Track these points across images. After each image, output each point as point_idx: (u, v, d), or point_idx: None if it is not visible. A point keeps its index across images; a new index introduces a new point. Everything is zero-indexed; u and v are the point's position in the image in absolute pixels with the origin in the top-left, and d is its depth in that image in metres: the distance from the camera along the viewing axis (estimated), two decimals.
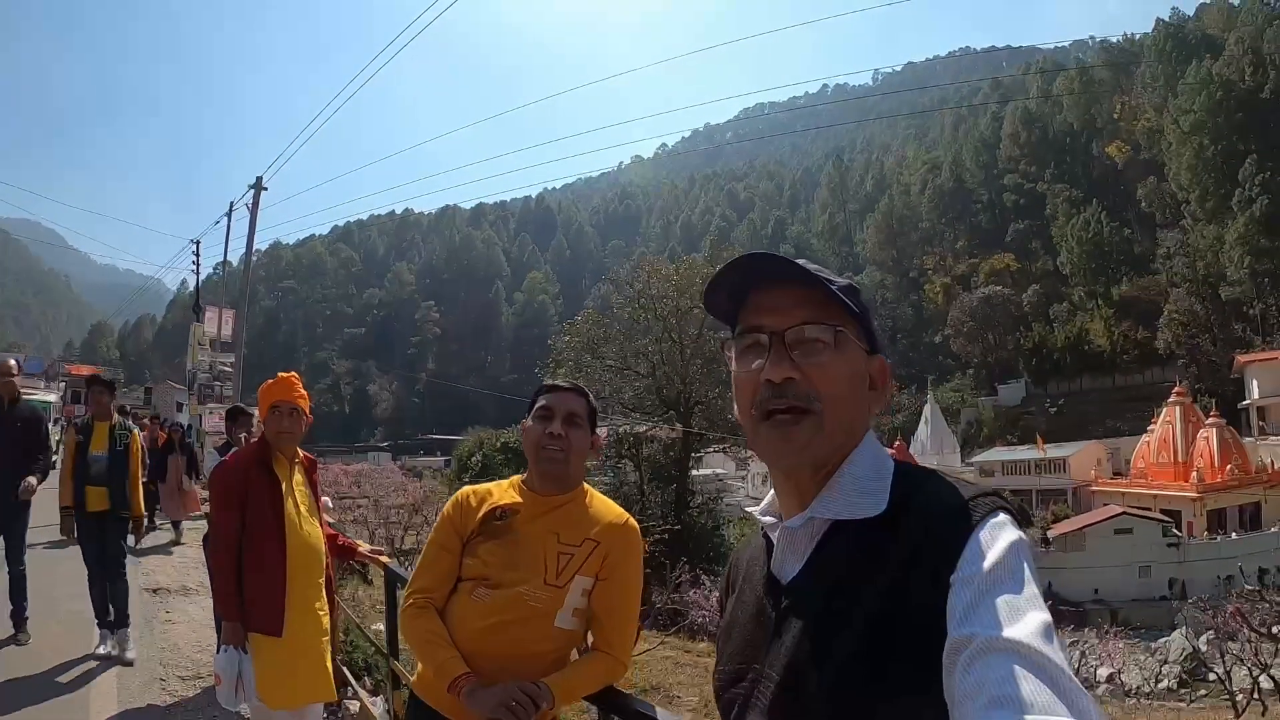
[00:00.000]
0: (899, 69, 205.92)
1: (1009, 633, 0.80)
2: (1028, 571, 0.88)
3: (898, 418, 79.85)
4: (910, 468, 1.09)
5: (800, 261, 1.09)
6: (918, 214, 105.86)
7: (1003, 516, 0.94)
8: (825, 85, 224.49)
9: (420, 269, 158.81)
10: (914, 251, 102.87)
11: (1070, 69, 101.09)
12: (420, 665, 2.30)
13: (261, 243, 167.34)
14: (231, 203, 24.45)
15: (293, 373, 3.83)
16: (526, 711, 1.93)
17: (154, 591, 8.48)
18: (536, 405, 2.30)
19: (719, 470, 43.20)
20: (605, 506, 2.35)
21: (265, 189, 22.73)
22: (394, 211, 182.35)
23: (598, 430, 2.40)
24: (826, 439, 1.06)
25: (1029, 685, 0.74)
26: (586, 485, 2.38)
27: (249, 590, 3.44)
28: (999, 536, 0.91)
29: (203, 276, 34.58)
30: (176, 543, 11.92)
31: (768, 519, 1.17)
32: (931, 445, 56.80)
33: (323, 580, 3.66)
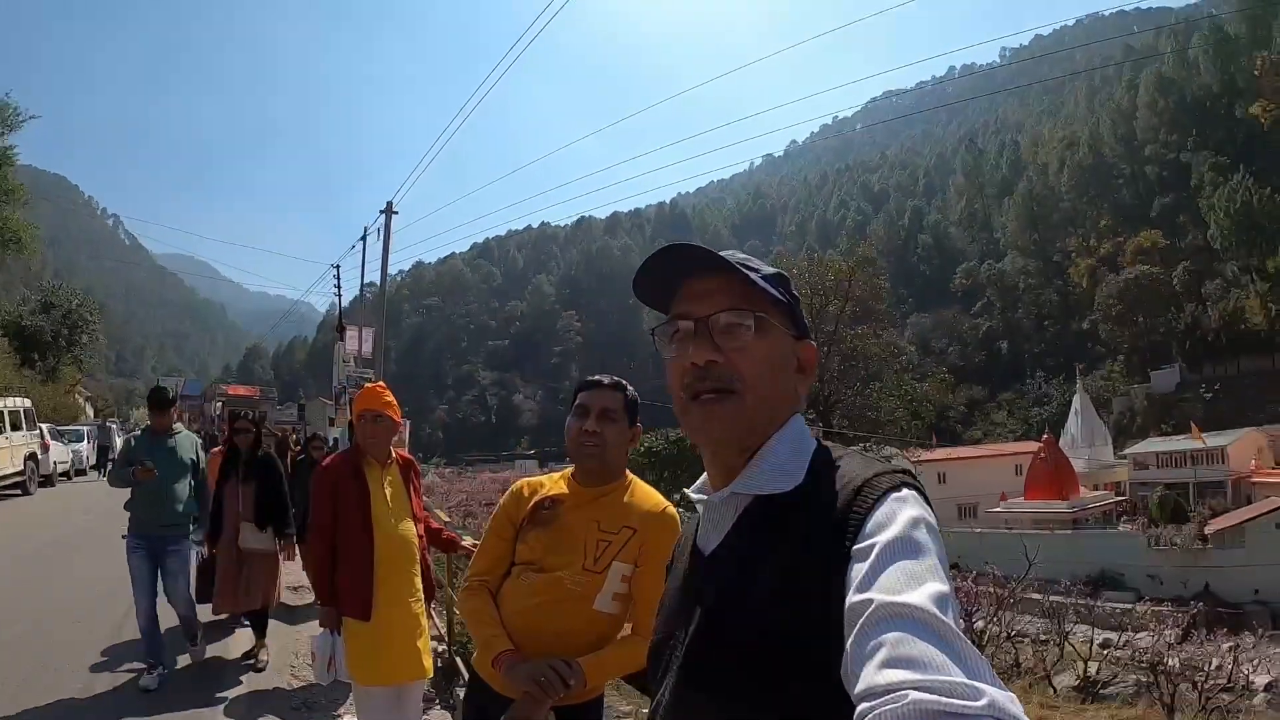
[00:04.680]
0: (1027, 44, 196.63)
1: (905, 598, 0.80)
2: (927, 543, 0.89)
3: (1047, 409, 78.02)
4: (831, 447, 1.12)
5: (726, 253, 1.13)
6: (1057, 194, 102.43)
7: (906, 492, 0.96)
8: (952, 67, 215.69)
9: (559, 280, 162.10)
10: (1056, 234, 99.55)
11: (1203, 26, 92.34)
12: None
13: (405, 262, 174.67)
14: (365, 228, 26.40)
15: (379, 383, 4.12)
16: (554, 687, 2.02)
17: (294, 589, 8.85)
18: (575, 403, 2.38)
19: None
20: (646, 496, 2.44)
21: (396, 213, 24.12)
22: (530, 226, 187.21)
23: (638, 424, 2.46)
24: (748, 418, 1.09)
25: (923, 647, 0.75)
26: (631, 475, 2.48)
27: (341, 579, 3.75)
28: (900, 509, 0.92)
29: (350, 298, 35.83)
30: None
31: (699, 496, 1.20)
32: (1082, 437, 53.74)
33: (416, 570, 3.89)
